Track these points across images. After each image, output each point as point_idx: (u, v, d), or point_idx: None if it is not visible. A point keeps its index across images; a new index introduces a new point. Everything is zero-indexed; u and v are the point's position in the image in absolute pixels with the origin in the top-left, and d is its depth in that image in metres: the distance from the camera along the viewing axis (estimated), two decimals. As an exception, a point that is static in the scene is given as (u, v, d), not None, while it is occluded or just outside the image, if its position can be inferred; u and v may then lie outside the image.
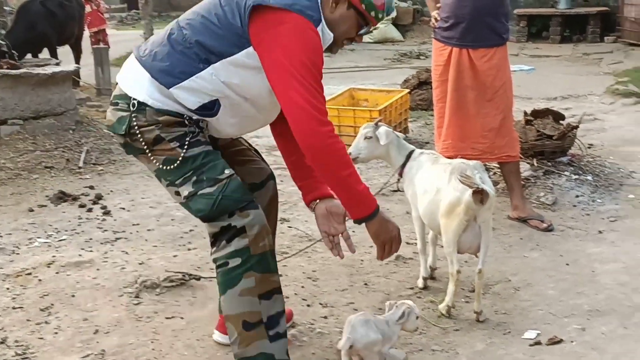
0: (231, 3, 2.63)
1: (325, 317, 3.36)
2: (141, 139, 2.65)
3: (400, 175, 3.63)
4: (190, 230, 4.51)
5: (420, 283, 3.66)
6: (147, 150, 2.67)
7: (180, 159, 2.62)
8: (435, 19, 4.56)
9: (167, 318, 3.39)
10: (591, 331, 3.20)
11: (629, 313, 3.34)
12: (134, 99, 2.65)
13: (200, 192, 2.61)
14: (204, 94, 2.62)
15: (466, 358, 3.04)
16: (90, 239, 4.40)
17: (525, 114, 5.58)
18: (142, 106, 2.64)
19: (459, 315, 3.37)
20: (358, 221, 2.69)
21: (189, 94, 2.61)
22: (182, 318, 3.39)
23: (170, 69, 2.61)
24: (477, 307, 3.32)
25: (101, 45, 9.93)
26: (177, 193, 2.68)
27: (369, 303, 3.51)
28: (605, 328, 3.22)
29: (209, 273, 3.84)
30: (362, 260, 3.99)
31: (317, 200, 2.93)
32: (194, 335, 3.23)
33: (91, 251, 4.20)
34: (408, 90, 7.21)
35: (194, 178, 2.62)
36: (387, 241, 2.75)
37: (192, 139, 2.64)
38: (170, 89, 2.60)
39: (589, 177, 5.18)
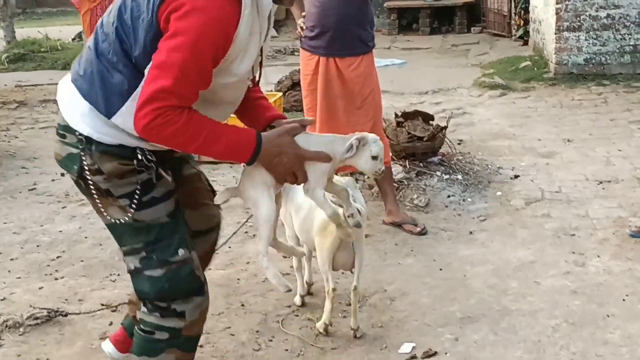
0: None
1: (201, 346, 3.26)
2: (92, 187, 2.38)
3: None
4: (58, 257, 4.28)
5: (297, 301, 3.64)
6: (98, 201, 2.40)
7: (128, 217, 2.37)
8: (302, 28, 4.53)
9: (32, 361, 3.21)
10: (464, 340, 3.27)
11: (498, 318, 3.44)
12: (79, 133, 2.32)
13: (147, 272, 2.40)
14: None
15: (344, 379, 3.04)
16: (-55, 273, 4.11)
17: (396, 115, 5.67)
18: (88, 142, 2.32)
19: (337, 332, 3.37)
20: (247, 163, 2.39)
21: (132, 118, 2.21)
22: (48, 359, 3.20)
23: (106, 94, 2.25)
24: (353, 324, 3.32)
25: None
26: (122, 252, 2.47)
27: (246, 326, 3.45)
28: (476, 336, 3.29)
29: (77, 305, 3.67)
30: (238, 280, 3.92)
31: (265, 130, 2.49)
32: (61, 378, 3.07)
33: (-54, 288, 3.92)
34: (281, 93, 7.15)
35: (143, 253, 2.40)
36: (286, 173, 2.42)
37: (143, 193, 2.36)
38: (112, 119, 2.27)
39: (459, 176, 5.31)
